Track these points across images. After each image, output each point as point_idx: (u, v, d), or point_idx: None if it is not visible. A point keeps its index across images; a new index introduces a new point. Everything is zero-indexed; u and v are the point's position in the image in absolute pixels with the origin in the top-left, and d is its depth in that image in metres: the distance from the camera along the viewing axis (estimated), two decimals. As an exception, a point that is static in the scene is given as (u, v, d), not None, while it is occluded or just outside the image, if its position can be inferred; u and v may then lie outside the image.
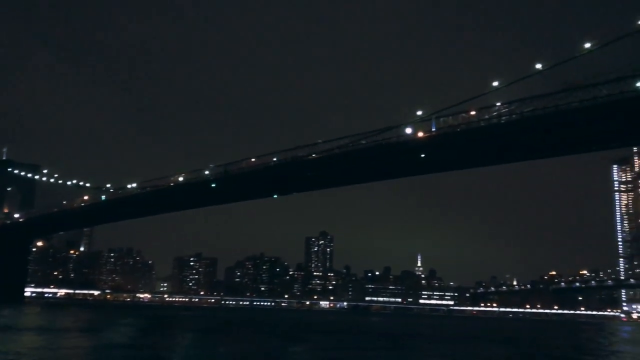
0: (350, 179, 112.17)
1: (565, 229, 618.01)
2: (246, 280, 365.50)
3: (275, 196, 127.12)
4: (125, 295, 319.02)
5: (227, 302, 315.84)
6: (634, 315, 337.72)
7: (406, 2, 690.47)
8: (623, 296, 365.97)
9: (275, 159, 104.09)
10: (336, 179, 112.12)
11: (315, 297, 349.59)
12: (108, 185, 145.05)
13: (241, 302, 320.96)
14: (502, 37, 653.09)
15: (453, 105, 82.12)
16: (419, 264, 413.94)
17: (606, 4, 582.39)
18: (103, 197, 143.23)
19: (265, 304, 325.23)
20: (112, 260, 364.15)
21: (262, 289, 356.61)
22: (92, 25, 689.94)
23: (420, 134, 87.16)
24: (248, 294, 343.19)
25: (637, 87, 69.80)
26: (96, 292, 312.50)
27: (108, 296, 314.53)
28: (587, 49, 69.47)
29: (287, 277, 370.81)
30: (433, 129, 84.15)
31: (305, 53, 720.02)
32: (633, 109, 70.86)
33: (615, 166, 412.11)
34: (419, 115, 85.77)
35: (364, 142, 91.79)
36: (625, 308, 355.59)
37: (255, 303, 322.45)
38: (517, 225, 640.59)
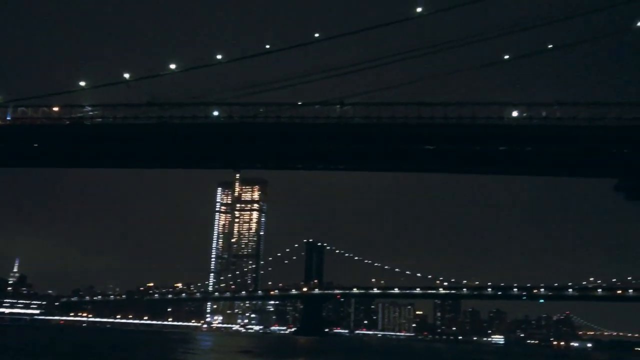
0: None
1: (170, 243, 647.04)
2: None
3: None
4: None
5: None
6: (214, 326, 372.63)
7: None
8: (208, 308, 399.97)
9: None
10: None
11: None
12: None
13: None
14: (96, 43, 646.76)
15: (36, 96, 76.78)
16: (16, 270, 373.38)
17: (191, 33, 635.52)
18: None
19: None
20: None
21: None
22: None
23: (-4, 122, 78.86)
24: None
25: (213, 115, 77.21)
26: None
27: None
28: (172, 69, 73.75)
29: None
30: (8, 118, 76.94)
31: None
32: (211, 132, 77.51)
33: (219, 189, 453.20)
34: (-6, 101, 77.42)
35: None
36: (208, 319, 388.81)
37: None
38: (125, 236, 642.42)
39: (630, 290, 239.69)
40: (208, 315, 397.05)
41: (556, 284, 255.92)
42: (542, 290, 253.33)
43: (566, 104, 68.92)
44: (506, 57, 73.30)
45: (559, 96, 72.14)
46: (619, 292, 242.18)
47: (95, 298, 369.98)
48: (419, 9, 67.19)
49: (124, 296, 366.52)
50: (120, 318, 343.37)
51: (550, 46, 72.28)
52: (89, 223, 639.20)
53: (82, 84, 75.76)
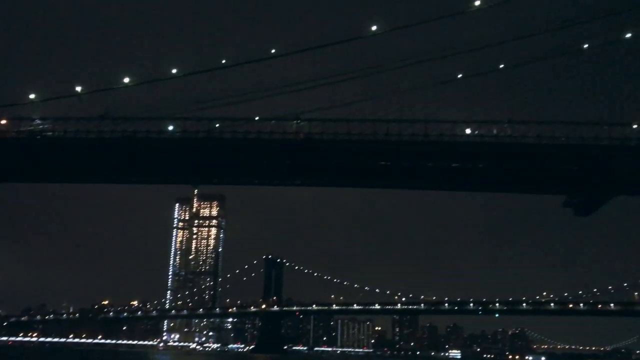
0: None
1: (126, 260, 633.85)
2: None
3: None
4: None
5: None
6: (170, 344, 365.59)
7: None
8: (165, 326, 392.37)
9: None
10: None
11: None
12: None
13: None
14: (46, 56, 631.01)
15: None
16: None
17: (145, 46, 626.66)
18: None
19: None
20: None
21: None
22: None
23: None
24: None
25: (167, 129, 76.34)
26: None
27: None
28: (126, 83, 72.77)
29: None
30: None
31: None
32: (166, 147, 76.55)
33: (177, 204, 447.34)
34: None
35: None
36: (164, 337, 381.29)
37: None
38: (79, 253, 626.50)
39: (581, 304, 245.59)
40: (164, 334, 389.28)
41: (511, 299, 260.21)
42: (497, 304, 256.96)
43: (517, 122, 70.76)
44: (459, 75, 74.99)
45: (510, 114, 73.94)
46: (571, 306, 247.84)
47: (46, 317, 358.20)
48: (373, 27, 68.20)
49: (77, 315, 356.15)
50: (73, 337, 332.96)
51: (501, 66, 74.22)
52: (40, 239, 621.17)
53: (32, 96, 73.98)
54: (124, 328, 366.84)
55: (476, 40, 71.80)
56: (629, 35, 69.00)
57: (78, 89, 72.89)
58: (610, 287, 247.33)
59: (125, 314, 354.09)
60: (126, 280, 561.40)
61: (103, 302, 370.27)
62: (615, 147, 68.07)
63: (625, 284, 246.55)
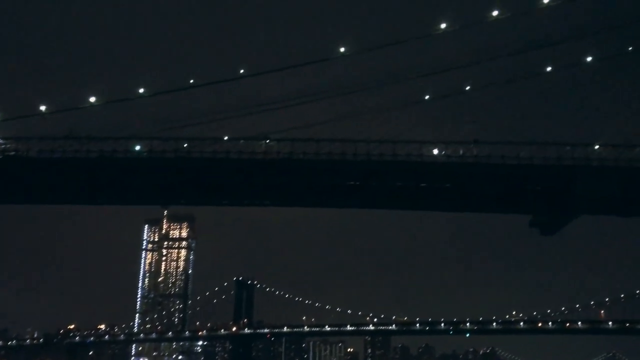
0: None
1: (93, 282, 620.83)
2: None
3: None
4: None
5: None
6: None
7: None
8: (133, 350, 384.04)
9: None
10: None
11: None
12: None
13: None
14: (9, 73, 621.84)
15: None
16: None
17: (112, 65, 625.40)
18: None
19: None
20: None
21: None
22: None
23: None
24: None
25: (134, 149, 75.50)
26: None
27: None
28: (92, 102, 71.92)
29: None
30: None
31: None
32: (133, 167, 75.67)
33: (146, 226, 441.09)
34: None
35: None
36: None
37: None
38: (45, 275, 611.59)
39: (550, 323, 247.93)
40: (133, 358, 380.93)
41: (481, 318, 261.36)
42: (468, 324, 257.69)
43: (482, 143, 71.88)
44: (427, 97, 76.14)
45: (476, 135, 75.15)
46: (540, 325, 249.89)
47: (9, 343, 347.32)
48: (342, 49, 69.03)
49: (41, 340, 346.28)
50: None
51: (467, 87, 75.62)
52: (3, 261, 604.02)
53: (-3, 117, 72.59)
54: (91, 353, 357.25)
55: (443, 62, 73.19)
56: (590, 58, 71.23)
57: (42, 108, 71.71)
58: (577, 306, 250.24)
59: (92, 339, 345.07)
60: (93, 303, 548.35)
61: (69, 327, 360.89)
62: (577, 167, 69.53)
63: (592, 302, 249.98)
